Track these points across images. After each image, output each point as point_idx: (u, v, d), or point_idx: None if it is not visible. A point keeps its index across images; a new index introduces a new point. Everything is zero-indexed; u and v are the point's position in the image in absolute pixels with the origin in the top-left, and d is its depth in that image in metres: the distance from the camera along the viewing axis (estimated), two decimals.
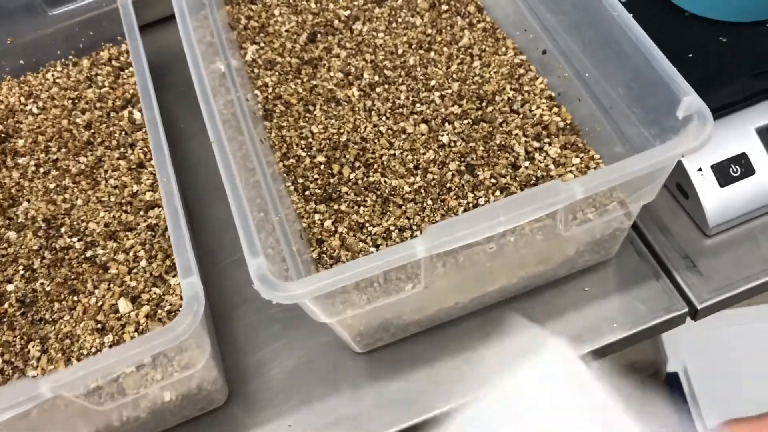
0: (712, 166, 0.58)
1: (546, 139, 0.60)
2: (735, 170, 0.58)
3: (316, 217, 0.60)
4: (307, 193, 0.62)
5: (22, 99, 0.74)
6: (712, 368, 0.98)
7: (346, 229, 0.59)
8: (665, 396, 0.97)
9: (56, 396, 0.43)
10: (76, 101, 0.72)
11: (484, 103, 0.63)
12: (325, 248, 0.58)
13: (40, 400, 0.42)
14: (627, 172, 0.44)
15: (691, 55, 0.62)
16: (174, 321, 0.43)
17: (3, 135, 0.71)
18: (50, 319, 0.58)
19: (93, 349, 0.55)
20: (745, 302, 0.59)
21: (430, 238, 0.44)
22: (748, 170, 0.58)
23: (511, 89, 0.64)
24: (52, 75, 0.76)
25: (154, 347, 0.42)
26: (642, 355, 1.06)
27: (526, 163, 0.58)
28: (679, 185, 0.60)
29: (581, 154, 0.58)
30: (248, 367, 0.59)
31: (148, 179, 0.64)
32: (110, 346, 0.55)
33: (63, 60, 0.77)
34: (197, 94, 0.54)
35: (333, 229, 0.59)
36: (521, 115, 0.62)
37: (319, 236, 0.59)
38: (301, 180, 0.62)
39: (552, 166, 0.58)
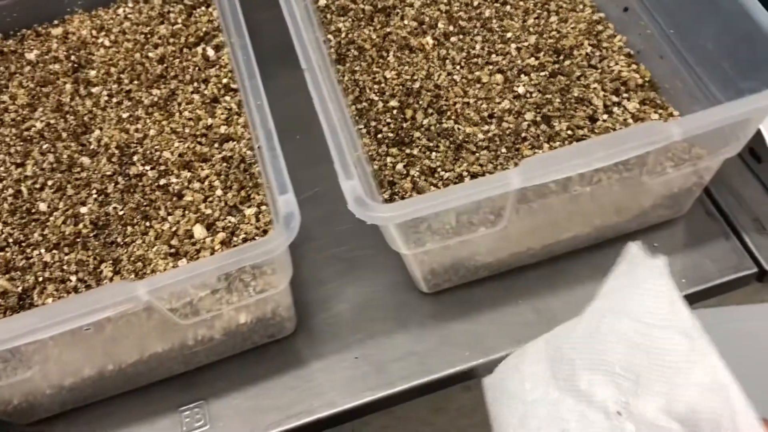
0: None
1: (624, 95, 0.60)
2: None
3: (388, 159, 0.60)
4: (380, 136, 0.62)
5: (94, 32, 0.75)
6: None
7: (417, 173, 0.59)
8: None
9: (146, 303, 0.44)
10: (149, 36, 0.73)
11: (561, 57, 0.63)
12: (396, 190, 0.59)
13: (136, 303, 0.43)
14: (726, 116, 0.44)
15: None
16: (270, 234, 0.44)
17: (76, 65, 0.71)
18: (122, 243, 0.59)
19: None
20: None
21: (526, 169, 0.44)
22: None
23: (589, 45, 0.64)
24: (123, 10, 0.76)
25: (251, 257, 0.43)
26: None
27: (605, 117, 0.59)
28: (752, 149, 0.60)
29: (660, 110, 0.58)
30: (314, 301, 0.60)
31: (222, 114, 0.64)
32: None
33: None
34: (288, 24, 0.55)
35: (405, 172, 0.59)
36: (599, 70, 0.62)
37: (391, 178, 0.59)
38: (373, 123, 0.63)
39: (631, 120, 0.58)
